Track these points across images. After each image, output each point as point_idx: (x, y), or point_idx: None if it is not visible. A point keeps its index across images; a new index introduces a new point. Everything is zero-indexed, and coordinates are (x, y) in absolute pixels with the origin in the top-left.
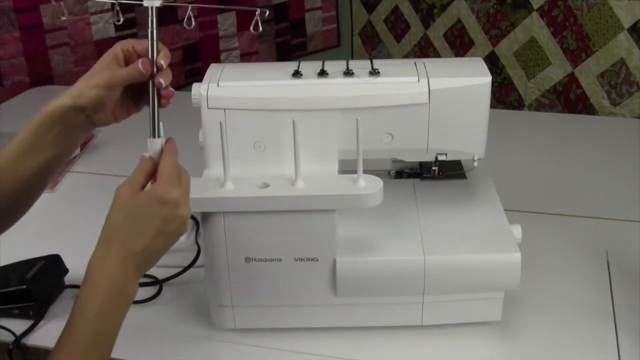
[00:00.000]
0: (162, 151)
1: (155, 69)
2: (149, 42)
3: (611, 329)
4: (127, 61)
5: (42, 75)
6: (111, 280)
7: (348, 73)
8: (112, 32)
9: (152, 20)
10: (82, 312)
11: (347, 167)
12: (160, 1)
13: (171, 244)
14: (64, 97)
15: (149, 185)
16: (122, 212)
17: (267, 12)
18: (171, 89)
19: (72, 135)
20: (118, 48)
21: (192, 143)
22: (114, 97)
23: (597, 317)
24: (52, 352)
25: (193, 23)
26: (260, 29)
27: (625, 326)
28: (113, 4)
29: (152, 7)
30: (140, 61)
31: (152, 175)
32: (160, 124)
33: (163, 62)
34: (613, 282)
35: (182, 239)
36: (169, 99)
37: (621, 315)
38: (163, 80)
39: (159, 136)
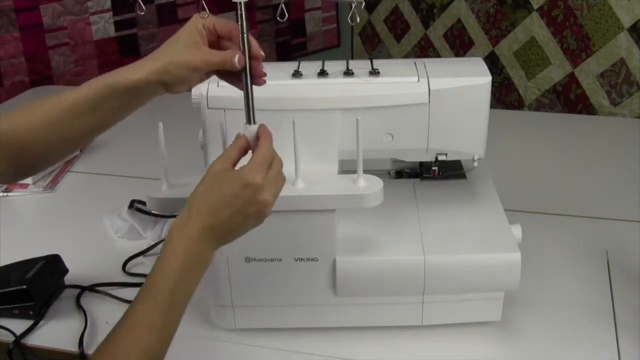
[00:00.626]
0: (257, 137)
1: (249, 61)
2: (240, 35)
3: (611, 329)
4: (209, 37)
5: (42, 75)
6: (190, 243)
7: (348, 73)
8: (112, 32)
9: (242, 14)
10: (162, 270)
11: (347, 167)
12: None
13: (252, 226)
14: (144, 71)
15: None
16: (209, 184)
17: (363, 4)
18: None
19: (139, 103)
20: (199, 23)
21: (192, 143)
22: (199, 75)
23: (597, 317)
24: (131, 305)
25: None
26: (354, 21)
27: (625, 326)
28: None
29: (240, 2)
30: (236, 57)
31: (245, 153)
32: (254, 110)
33: (263, 53)
34: (613, 282)
35: None
36: (263, 78)
37: (621, 315)
38: (261, 69)
39: (254, 122)
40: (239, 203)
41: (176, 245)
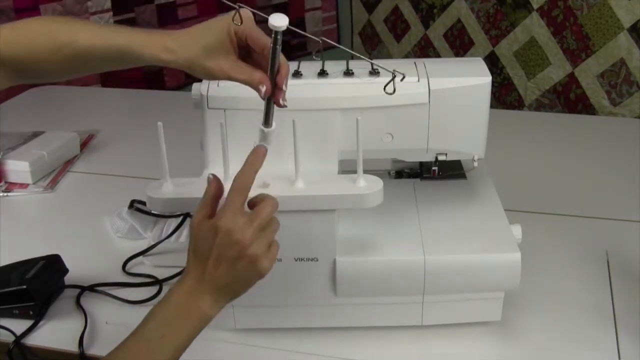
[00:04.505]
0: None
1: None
2: (269, 63)
3: (611, 329)
4: (239, 41)
5: None
6: (185, 292)
7: (348, 73)
8: None
9: (277, 44)
10: (154, 312)
11: (347, 167)
12: (286, 25)
13: (252, 278)
14: (166, 55)
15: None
16: (193, 239)
17: (403, 77)
18: (286, 103)
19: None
20: (232, 29)
21: (192, 143)
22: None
23: (597, 317)
24: (123, 341)
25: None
26: (393, 91)
27: (625, 326)
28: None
29: (275, 32)
30: (263, 88)
31: (219, 197)
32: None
33: (284, 87)
34: (613, 282)
35: (183, 238)
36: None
37: (621, 315)
38: (281, 100)
39: (271, 125)
40: (217, 251)
41: (171, 293)
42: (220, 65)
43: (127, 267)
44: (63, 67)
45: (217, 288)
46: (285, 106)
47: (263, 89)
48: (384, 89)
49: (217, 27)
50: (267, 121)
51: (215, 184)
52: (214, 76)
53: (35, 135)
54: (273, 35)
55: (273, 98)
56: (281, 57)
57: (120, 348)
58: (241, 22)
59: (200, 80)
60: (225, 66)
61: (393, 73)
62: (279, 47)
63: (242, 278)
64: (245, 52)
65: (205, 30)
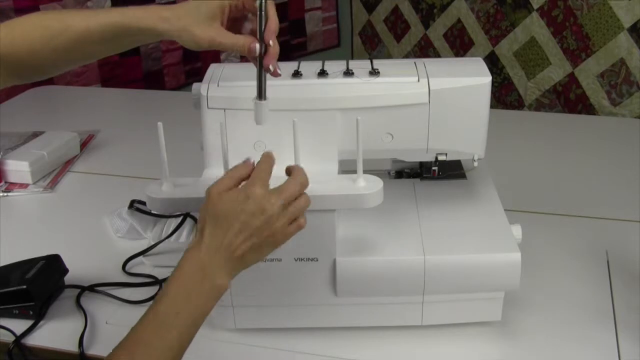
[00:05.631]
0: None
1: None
2: (257, 21)
3: (611, 329)
4: (233, 12)
5: None
6: (199, 266)
7: (348, 73)
8: None
9: None
10: (168, 290)
11: (347, 167)
12: None
13: (267, 248)
14: (162, 21)
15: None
16: (214, 206)
17: None
18: (279, 70)
19: (146, 42)
20: (226, 1)
21: (192, 143)
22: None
23: (597, 317)
24: (135, 324)
25: None
26: None
27: (625, 326)
28: None
29: None
30: (248, 47)
31: (243, 180)
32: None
33: (272, 43)
34: (613, 282)
35: (183, 238)
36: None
37: (621, 315)
38: (271, 64)
39: (264, 98)
40: (244, 218)
41: (184, 268)
42: (207, 33)
43: (127, 267)
44: (60, 56)
45: (234, 258)
46: (279, 75)
47: (255, 48)
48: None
49: (209, 1)
50: (260, 94)
51: (248, 167)
52: (200, 44)
53: (35, 135)
54: None
55: (264, 68)
56: (270, 12)
57: (136, 329)
58: None
59: (200, 80)
60: (213, 33)
61: None
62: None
63: (260, 249)
64: (241, 21)
65: (199, 3)
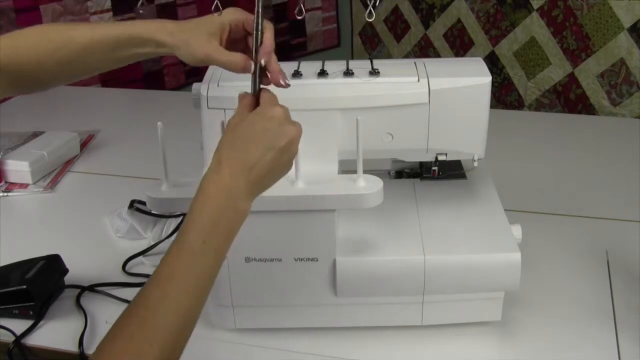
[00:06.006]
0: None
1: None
2: (254, 33)
3: (611, 329)
4: (234, 32)
5: None
6: (222, 191)
7: (348, 73)
8: None
9: (258, 12)
10: (193, 219)
11: (347, 167)
12: None
13: (285, 164)
14: (165, 33)
15: None
16: (231, 133)
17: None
18: (287, 81)
19: (148, 55)
20: (226, 20)
21: (192, 143)
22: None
23: (597, 317)
24: (161, 260)
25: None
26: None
27: (625, 326)
28: None
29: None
30: (242, 65)
31: (253, 109)
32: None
33: (263, 62)
34: (613, 282)
35: None
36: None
37: (621, 315)
38: (281, 79)
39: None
40: (268, 136)
41: (208, 192)
42: (204, 48)
43: (127, 267)
44: (63, 68)
45: (255, 181)
46: (288, 85)
47: (245, 65)
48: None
49: (211, 20)
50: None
51: (249, 97)
52: (196, 57)
53: (35, 135)
54: (257, 3)
55: (274, 83)
56: (267, 34)
57: (164, 262)
58: (220, 13)
59: (200, 80)
60: (209, 49)
61: None
62: (261, 16)
63: (279, 171)
64: (242, 41)
65: (205, 18)
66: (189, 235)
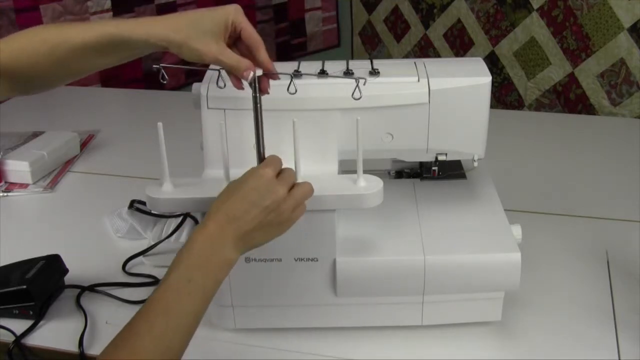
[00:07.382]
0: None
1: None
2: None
3: (611, 329)
4: (230, 32)
5: None
6: (207, 239)
7: (348, 73)
8: None
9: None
10: (180, 260)
11: (347, 167)
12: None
13: (274, 224)
14: (158, 35)
15: None
16: (226, 189)
17: (365, 82)
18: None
19: (145, 54)
20: (230, 19)
21: (192, 143)
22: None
23: (597, 317)
24: (150, 296)
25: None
26: (360, 96)
27: (625, 326)
28: (159, 69)
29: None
30: (250, 74)
31: None
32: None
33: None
34: (613, 282)
35: (183, 238)
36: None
37: (621, 315)
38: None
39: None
40: (255, 193)
41: (193, 242)
42: (210, 48)
43: (127, 267)
44: (59, 69)
45: (240, 233)
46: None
47: (250, 75)
48: (352, 95)
49: (216, 14)
50: (260, 158)
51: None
52: (203, 59)
53: (35, 135)
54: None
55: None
56: (261, 51)
57: (151, 299)
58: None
59: (200, 80)
60: (215, 49)
61: (356, 80)
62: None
63: (267, 230)
64: (234, 44)
65: (204, 15)
66: (175, 273)
